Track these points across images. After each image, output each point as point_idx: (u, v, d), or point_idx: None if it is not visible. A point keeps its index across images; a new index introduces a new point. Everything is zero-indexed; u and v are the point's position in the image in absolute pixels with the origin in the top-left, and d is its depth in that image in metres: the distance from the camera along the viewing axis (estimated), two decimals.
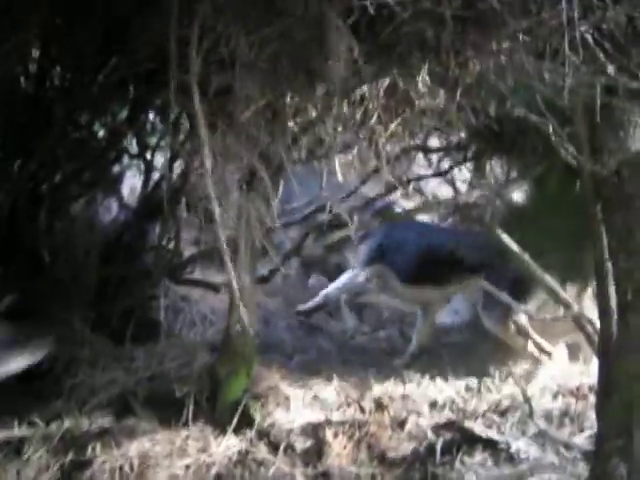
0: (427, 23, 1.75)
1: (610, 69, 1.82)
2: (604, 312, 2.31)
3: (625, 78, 1.85)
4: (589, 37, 1.80)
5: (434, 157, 4.77)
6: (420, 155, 4.87)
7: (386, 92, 2.19)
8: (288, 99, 2.30)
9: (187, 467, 3.19)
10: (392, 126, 2.07)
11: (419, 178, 4.82)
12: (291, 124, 2.32)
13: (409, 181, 5.14)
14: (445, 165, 4.76)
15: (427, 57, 1.92)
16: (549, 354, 3.86)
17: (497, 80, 1.90)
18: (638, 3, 1.71)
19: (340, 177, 3.93)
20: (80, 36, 3.25)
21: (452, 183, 4.89)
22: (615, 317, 2.27)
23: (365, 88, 2.09)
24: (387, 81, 2.15)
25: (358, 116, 2.09)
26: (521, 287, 3.45)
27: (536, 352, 3.86)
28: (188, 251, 4.78)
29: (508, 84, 1.92)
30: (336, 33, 1.75)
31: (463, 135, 4.33)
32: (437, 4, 1.65)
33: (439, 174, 4.66)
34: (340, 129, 2.18)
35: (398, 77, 2.07)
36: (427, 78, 2.13)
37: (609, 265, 2.31)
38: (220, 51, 2.01)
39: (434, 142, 4.64)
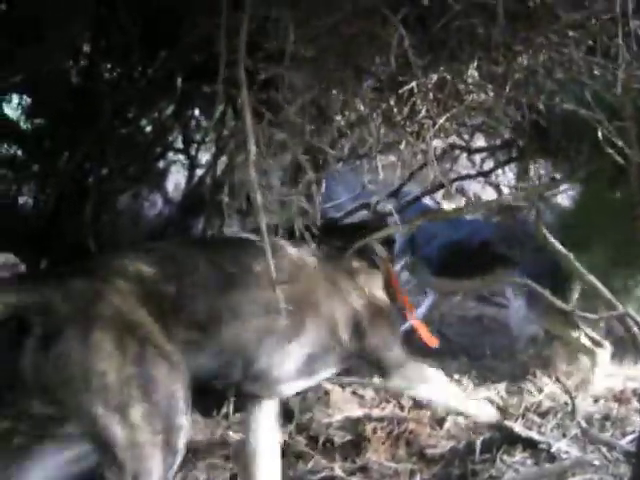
0: (478, 18, 1.75)
1: None
2: None
3: None
4: None
5: (477, 157, 4.77)
6: (463, 155, 4.89)
7: (435, 87, 2.20)
8: (334, 93, 2.32)
9: (226, 458, 3.22)
10: (441, 121, 2.07)
11: (462, 177, 4.79)
12: (338, 119, 2.32)
13: (453, 181, 5.13)
14: (489, 165, 4.74)
15: (477, 52, 1.92)
16: (603, 346, 3.78)
17: (546, 75, 1.89)
18: None
19: (381, 175, 3.95)
20: (128, 29, 3.30)
21: (495, 184, 4.86)
22: None
23: (414, 83, 2.08)
24: (436, 76, 2.15)
25: (406, 111, 2.09)
26: (557, 283, 3.40)
27: (589, 344, 3.78)
28: None
29: (557, 79, 1.91)
30: (387, 26, 1.76)
31: (507, 135, 4.32)
32: None
33: (482, 174, 4.63)
34: (387, 126, 2.18)
35: (447, 72, 2.07)
36: (475, 73, 2.13)
37: None
38: (268, 45, 2.03)
39: (479, 142, 4.66)
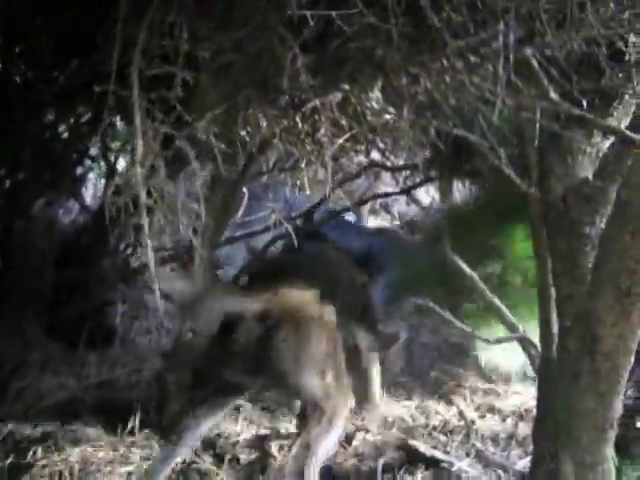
0: (374, 39, 1.76)
1: (553, 94, 1.84)
2: (545, 337, 2.33)
3: (567, 104, 1.87)
4: (534, 62, 1.81)
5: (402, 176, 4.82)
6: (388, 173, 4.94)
7: (338, 107, 2.19)
8: (242, 110, 2.30)
9: (129, 474, 3.14)
10: (340, 141, 2.07)
11: (379, 196, 4.84)
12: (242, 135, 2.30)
13: (373, 198, 5.19)
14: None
15: (377, 74, 1.93)
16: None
17: (442, 100, 1.91)
18: (579, 29, 1.73)
19: (307, 190, 3.94)
20: (42, 33, 3.22)
21: (416, 202, 4.92)
22: (555, 342, 2.28)
23: (316, 102, 2.08)
24: (339, 96, 2.15)
25: (307, 128, 2.08)
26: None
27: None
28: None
29: (450, 103, 1.93)
30: (281, 44, 1.75)
31: (428, 154, 4.39)
32: (382, 20, 1.66)
33: (404, 192, 4.69)
34: (290, 142, 2.17)
35: (349, 92, 2.07)
36: (379, 95, 2.14)
37: (552, 290, 2.32)
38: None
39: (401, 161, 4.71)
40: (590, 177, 2.26)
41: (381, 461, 3.00)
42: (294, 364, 2.66)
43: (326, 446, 2.63)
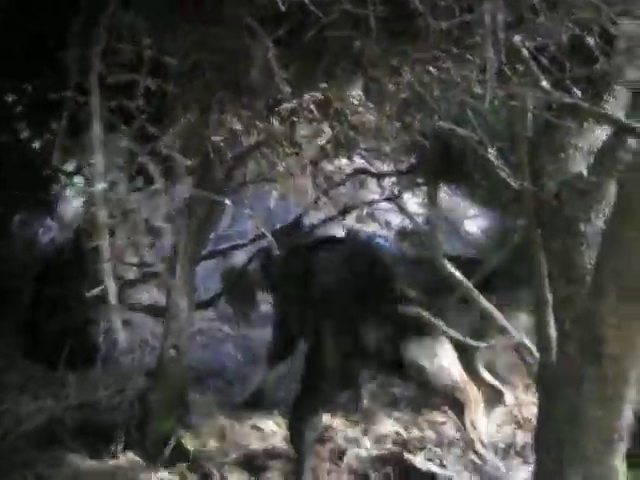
0: (352, 29, 1.65)
1: (544, 83, 1.74)
2: (543, 341, 2.21)
3: (559, 93, 1.76)
4: (524, 50, 1.71)
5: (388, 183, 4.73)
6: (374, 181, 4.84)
7: (319, 107, 2.08)
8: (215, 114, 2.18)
9: None
10: (320, 141, 1.96)
11: (365, 203, 4.74)
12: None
13: (359, 205, 5.08)
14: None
15: (355, 68, 1.82)
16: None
17: (427, 93, 1.80)
18: (570, 12, 1.63)
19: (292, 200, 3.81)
20: (11, 40, 3.10)
21: (402, 209, 4.81)
22: (554, 347, 2.16)
23: (294, 102, 1.96)
24: (318, 95, 2.04)
25: (285, 130, 1.97)
26: None
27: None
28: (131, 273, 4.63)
29: (435, 96, 1.82)
30: (253, 38, 1.63)
31: (413, 160, 4.29)
32: (360, 5, 1.54)
33: (389, 199, 4.58)
34: (266, 147, 2.06)
35: (328, 90, 1.95)
36: (361, 93, 2.02)
37: (548, 293, 2.21)
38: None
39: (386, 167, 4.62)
40: (584, 172, 2.16)
41: (374, 476, 2.87)
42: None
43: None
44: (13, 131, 3.87)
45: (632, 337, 1.59)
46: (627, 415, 1.69)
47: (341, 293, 3.28)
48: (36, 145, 4.10)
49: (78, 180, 4.51)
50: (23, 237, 4.63)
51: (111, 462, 3.23)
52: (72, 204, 5.14)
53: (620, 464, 1.66)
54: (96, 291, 3.82)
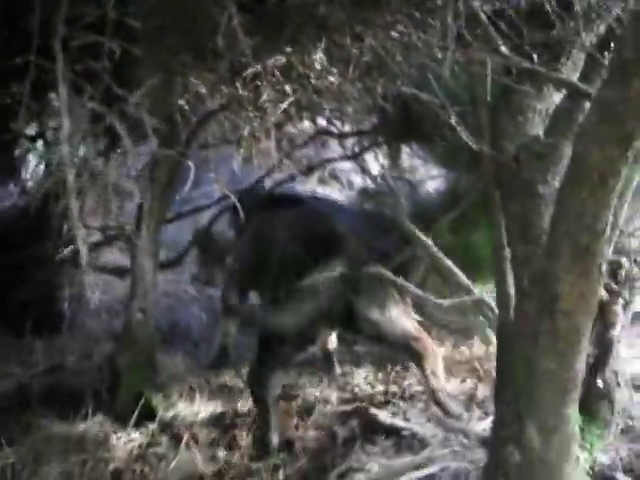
0: None
1: (503, 48, 1.78)
2: (502, 299, 2.29)
3: (517, 58, 1.81)
4: (483, 15, 1.75)
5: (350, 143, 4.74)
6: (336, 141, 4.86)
7: (282, 71, 2.10)
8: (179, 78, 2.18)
9: (84, 463, 3.05)
10: (283, 105, 1.98)
11: (326, 161, 4.76)
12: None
13: (320, 165, 5.10)
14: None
15: (319, 34, 1.84)
16: None
17: (389, 58, 1.83)
18: None
19: (255, 162, 3.82)
20: None
21: (364, 168, 4.84)
22: (512, 303, 2.24)
23: (258, 66, 1.98)
24: (282, 59, 2.05)
25: (248, 95, 1.98)
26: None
27: None
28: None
29: (397, 61, 1.85)
30: (216, 3, 1.64)
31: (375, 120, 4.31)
32: None
33: (349, 157, 4.61)
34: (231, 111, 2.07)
35: (291, 55, 1.97)
36: (323, 57, 2.04)
37: (507, 252, 2.28)
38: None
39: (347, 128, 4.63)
40: (541, 135, 2.21)
41: (340, 431, 2.95)
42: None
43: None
44: None
45: (584, 294, 1.67)
46: (580, 367, 1.78)
47: (294, 250, 3.36)
48: None
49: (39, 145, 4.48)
50: None
51: (81, 425, 3.26)
52: (33, 169, 5.09)
53: (573, 412, 1.76)
54: (65, 252, 3.82)
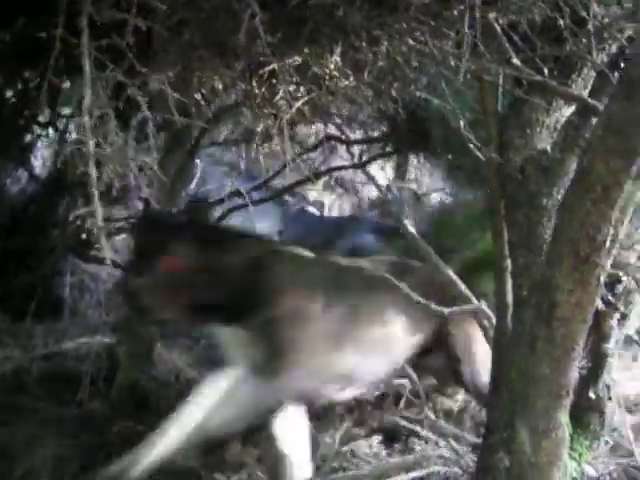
0: None
1: (515, 60, 1.82)
2: (500, 307, 2.32)
3: (529, 70, 1.85)
4: (497, 26, 1.79)
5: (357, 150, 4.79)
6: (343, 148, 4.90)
7: (297, 71, 2.14)
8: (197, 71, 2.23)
9: (76, 447, 3.07)
10: (298, 104, 2.02)
11: (334, 169, 4.80)
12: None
13: (327, 172, 5.14)
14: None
15: (337, 35, 1.88)
16: None
17: (404, 63, 1.87)
18: None
19: (262, 163, 3.84)
20: None
21: (371, 177, 4.89)
22: (510, 312, 2.28)
23: (274, 64, 2.02)
24: (299, 59, 2.10)
25: (264, 93, 2.03)
26: None
27: None
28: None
29: (412, 66, 1.90)
30: (238, 1, 1.68)
31: (384, 128, 4.35)
32: None
33: (357, 166, 4.65)
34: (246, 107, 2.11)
35: (308, 55, 2.02)
36: (338, 59, 2.09)
37: (508, 261, 2.31)
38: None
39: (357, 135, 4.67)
40: (549, 149, 2.26)
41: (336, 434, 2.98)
42: None
43: None
44: None
45: (582, 302, 1.71)
46: (573, 374, 1.82)
47: None
48: (9, 94, 4.09)
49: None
50: None
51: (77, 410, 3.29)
52: (43, 155, 5.13)
53: (564, 418, 1.80)
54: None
